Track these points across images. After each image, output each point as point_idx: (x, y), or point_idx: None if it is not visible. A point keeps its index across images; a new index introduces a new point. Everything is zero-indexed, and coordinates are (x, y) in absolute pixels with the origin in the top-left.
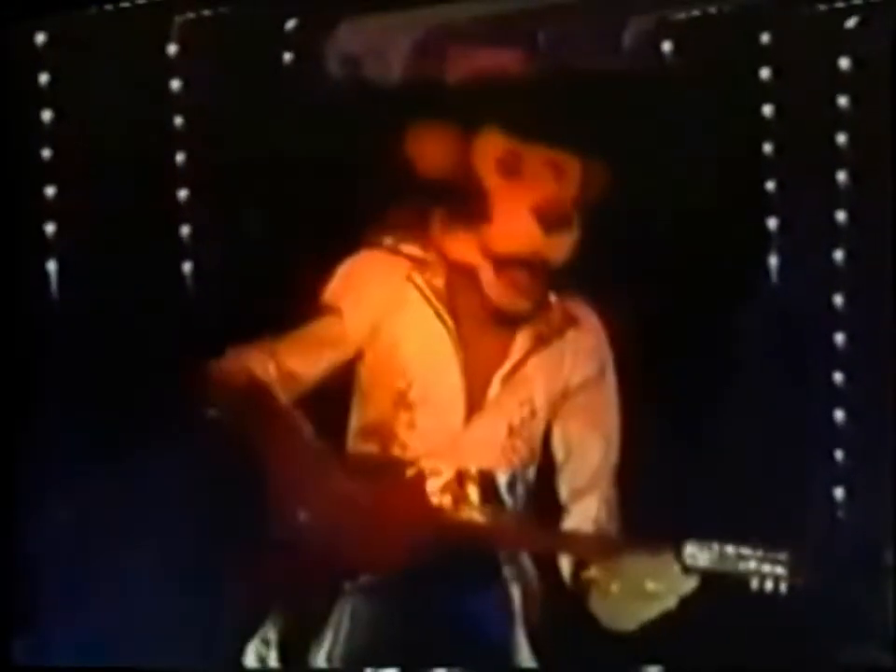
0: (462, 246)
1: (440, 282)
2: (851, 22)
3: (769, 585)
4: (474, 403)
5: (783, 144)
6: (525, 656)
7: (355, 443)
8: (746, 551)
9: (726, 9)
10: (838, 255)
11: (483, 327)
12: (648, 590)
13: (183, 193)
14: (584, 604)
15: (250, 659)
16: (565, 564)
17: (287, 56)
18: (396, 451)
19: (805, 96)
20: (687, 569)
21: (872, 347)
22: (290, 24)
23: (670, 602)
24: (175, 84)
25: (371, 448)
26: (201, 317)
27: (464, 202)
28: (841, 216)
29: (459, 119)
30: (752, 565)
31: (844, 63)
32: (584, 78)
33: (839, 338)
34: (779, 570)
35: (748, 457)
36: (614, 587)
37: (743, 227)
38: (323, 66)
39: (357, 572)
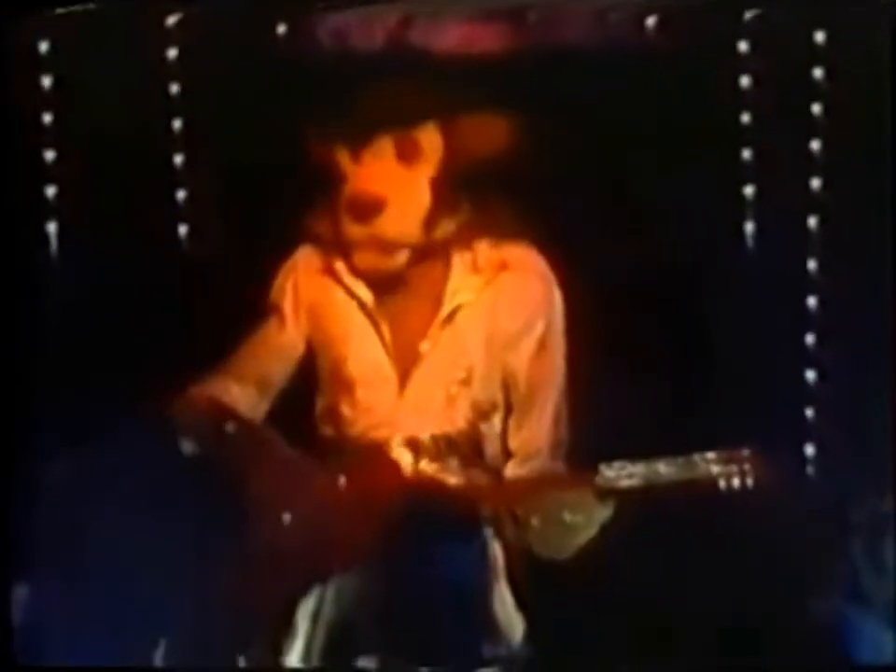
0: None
1: (358, 262)
2: None
3: (736, 483)
4: (406, 370)
5: (760, 114)
6: (511, 614)
7: (319, 429)
8: (710, 455)
9: None
10: (812, 221)
11: (406, 296)
12: (566, 521)
13: (179, 159)
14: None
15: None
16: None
17: (282, 28)
18: (345, 430)
19: (781, 69)
20: (603, 493)
21: (843, 310)
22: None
23: (592, 531)
24: (172, 53)
25: (328, 431)
26: (195, 277)
27: (331, 191)
28: (815, 183)
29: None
30: (717, 467)
31: (819, 36)
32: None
33: (811, 301)
34: (745, 466)
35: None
36: (534, 521)
37: (721, 193)
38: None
39: (344, 558)
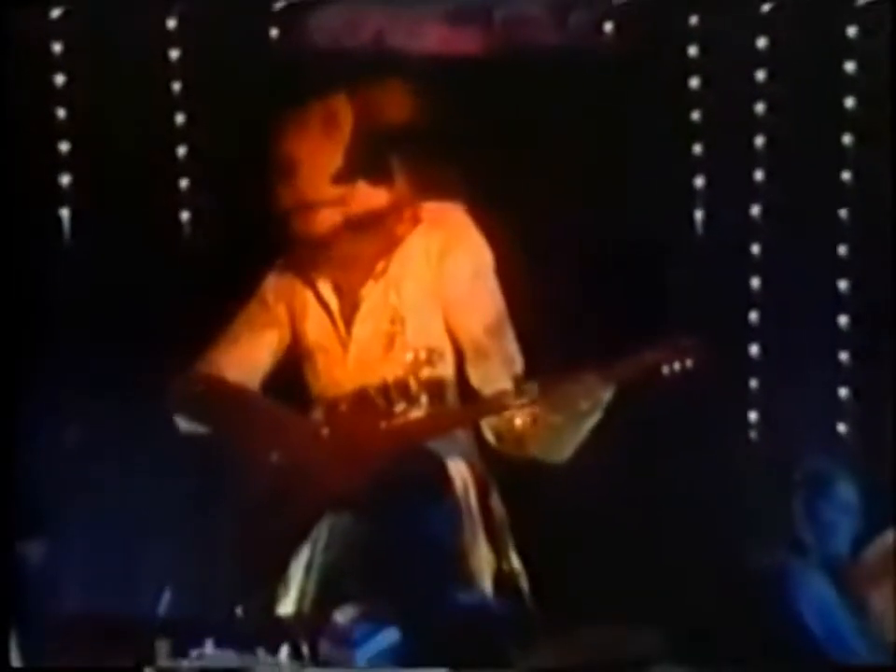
0: None
1: (295, 228)
2: (768, 6)
3: (677, 368)
4: (347, 330)
5: (708, 112)
6: (486, 557)
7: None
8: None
9: None
10: (755, 210)
11: (345, 268)
12: (582, 409)
13: (182, 150)
14: (520, 454)
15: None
16: (489, 435)
17: (274, 31)
18: (316, 395)
19: (728, 70)
20: (606, 378)
21: (784, 290)
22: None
23: (598, 415)
24: (174, 53)
25: (308, 398)
26: (196, 259)
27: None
28: (759, 175)
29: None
30: (661, 355)
31: (762, 41)
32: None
33: (755, 282)
34: (686, 354)
35: None
36: (556, 418)
37: (673, 183)
38: None
39: (330, 508)
